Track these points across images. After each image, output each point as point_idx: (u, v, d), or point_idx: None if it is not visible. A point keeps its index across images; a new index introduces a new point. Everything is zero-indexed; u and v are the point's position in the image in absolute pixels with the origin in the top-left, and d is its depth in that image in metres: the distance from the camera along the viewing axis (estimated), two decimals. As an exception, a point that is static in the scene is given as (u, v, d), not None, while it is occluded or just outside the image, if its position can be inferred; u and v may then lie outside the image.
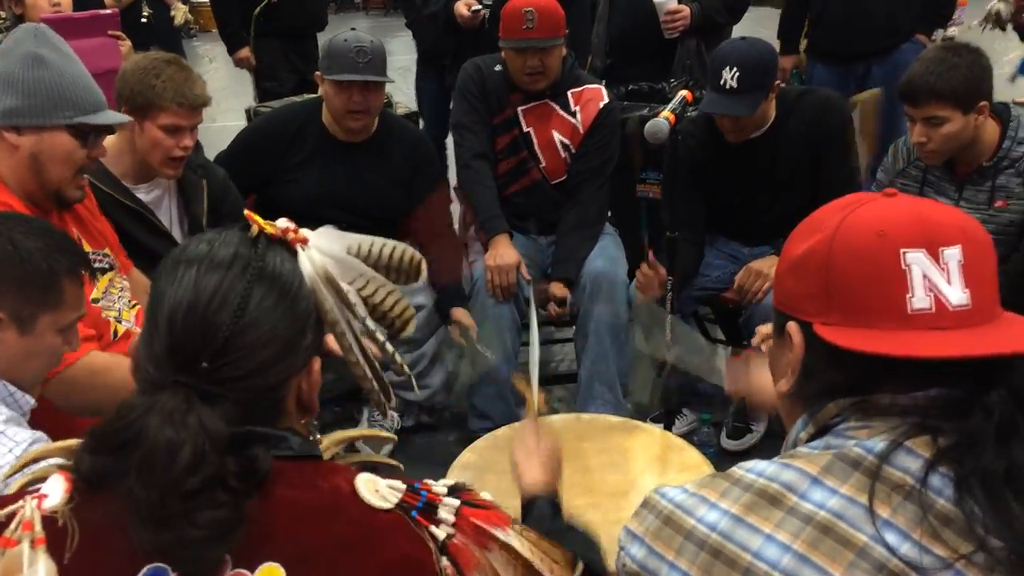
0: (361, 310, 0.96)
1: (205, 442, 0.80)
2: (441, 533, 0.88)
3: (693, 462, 2.01)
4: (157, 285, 0.89)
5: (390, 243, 1.02)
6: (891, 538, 0.76)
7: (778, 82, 2.65)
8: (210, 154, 2.86)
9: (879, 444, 0.80)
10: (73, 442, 0.91)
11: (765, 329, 2.50)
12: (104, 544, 0.82)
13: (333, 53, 2.72)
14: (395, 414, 3.01)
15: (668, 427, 2.56)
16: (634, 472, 2.03)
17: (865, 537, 0.76)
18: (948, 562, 0.75)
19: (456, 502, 0.91)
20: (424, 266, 1.06)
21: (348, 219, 2.83)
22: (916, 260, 0.83)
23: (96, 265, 1.96)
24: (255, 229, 0.92)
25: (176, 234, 2.47)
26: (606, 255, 2.95)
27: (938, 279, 0.83)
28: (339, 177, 2.82)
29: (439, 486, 0.93)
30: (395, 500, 0.88)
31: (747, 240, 2.89)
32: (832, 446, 0.84)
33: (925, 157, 2.40)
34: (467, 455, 2.06)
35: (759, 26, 5.16)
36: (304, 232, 0.95)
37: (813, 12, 3.85)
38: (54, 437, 1.33)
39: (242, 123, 3.26)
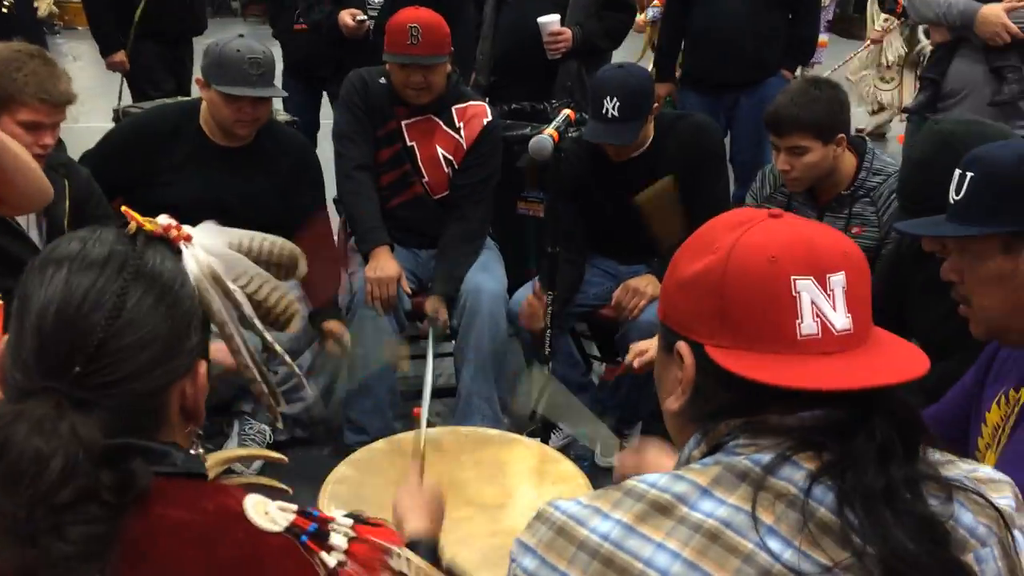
0: (248, 309, 0.94)
1: (78, 451, 0.76)
2: (332, 560, 0.85)
3: (569, 474, 2.05)
4: (24, 286, 0.83)
5: (269, 237, 1.01)
6: (774, 545, 0.78)
7: (656, 105, 2.74)
8: (74, 155, 2.72)
9: (766, 457, 0.83)
10: None
11: (638, 347, 2.59)
12: None
13: (224, 63, 2.63)
14: (267, 428, 2.94)
15: (545, 441, 2.59)
16: (511, 484, 2.04)
17: (751, 544, 0.79)
18: (826, 567, 0.78)
19: (349, 522, 0.89)
20: (303, 260, 1.04)
21: (226, 224, 2.75)
22: (805, 287, 0.86)
23: None
24: (133, 226, 0.88)
25: (34, 236, 2.34)
26: (486, 270, 2.97)
27: (824, 305, 0.86)
28: (216, 182, 2.74)
29: (335, 514, 0.91)
30: (285, 523, 0.85)
31: (623, 258, 2.97)
32: (721, 462, 0.85)
33: (789, 184, 2.53)
34: (343, 468, 2.02)
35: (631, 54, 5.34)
36: (187, 229, 0.92)
37: (688, 44, 4.02)
38: None
39: (108, 124, 3.13)
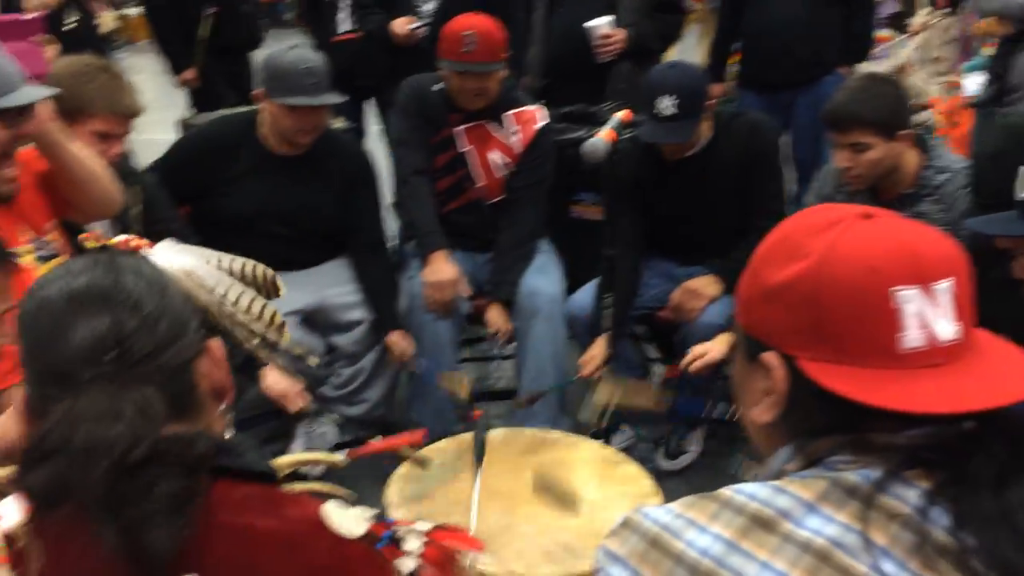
0: (233, 294, 0.95)
1: (137, 416, 0.79)
2: (407, 567, 0.85)
3: (632, 475, 2.05)
4: (22, 317, 0.86)
5: (240, 259, 0.99)
6: (888, 567, 0.74)
7: (712, 102, 2.73)
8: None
9: (874, 473, 0.78)
10: (9, 470, 0.88)
11: (697, 350, 2.58)
12: (68, 566, 0.79)
13: (281, 74, 2.68)
14: (332, 429, 2.98)
15: (607, 442, 2.59)
16: (573, 485, 2.05)
17: (864, 567, 0.74)
18: None
19: (425, 526, 0.89)
20: (282, 285, 1.03)
21: (285, 232, 2.82)
22: (909, 298, 0.81)
23: (40, 253, 1.90)
24: (91, 243, 0.92)
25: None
26: (543, 272, 2.98)
27: (930, 316, 0.81)
28: (276, 190, 2.80)
29: (407, 520, 0.91)
30: (363, 530, 0.86)
31: (681, 259, 2.95)
32: (826, 476, 0.81)
33: (850, 182, 2.50)
34: (406, 468, 2.06)
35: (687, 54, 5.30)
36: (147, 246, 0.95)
37: (744, 44, 3.99)
38: None
39: (170, 137, 3.21)
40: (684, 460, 2.99)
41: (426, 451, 2.14)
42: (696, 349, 2.58)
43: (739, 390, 0.94)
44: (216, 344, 0.92)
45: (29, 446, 0.82)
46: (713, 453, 2.99)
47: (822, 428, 0.83)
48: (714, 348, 2.56)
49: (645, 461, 2.66)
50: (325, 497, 0.92)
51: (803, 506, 0.78)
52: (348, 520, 0.86)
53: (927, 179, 2.45)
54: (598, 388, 2.62)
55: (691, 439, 3.01)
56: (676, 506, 0.84)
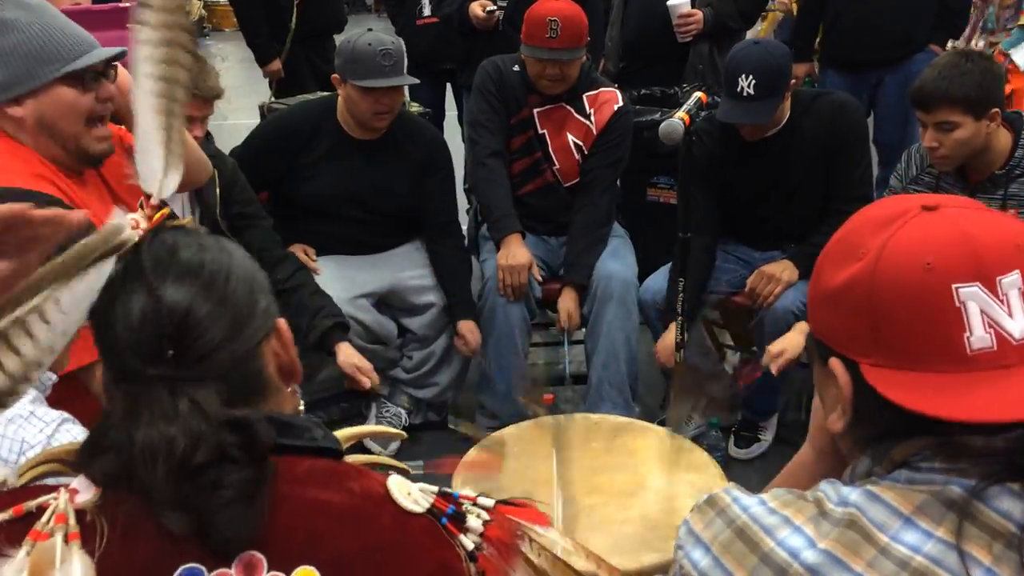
0: None
1: (197, 420, 0.79)
2: (469, 543, 0.85)
3: (702, 463, 2.02)
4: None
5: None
6: None
7: (793, 81, 2.65)
8: (223, 150, 2.87)
9: (974, 483, 0.74)
10: (72, 445, 0.89)
11: (775, 348, 2.52)
12: (134, 543, 0.80)
13: (358, 58, 2.71)
14: (403, 411, 3.02)
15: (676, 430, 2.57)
16: (642, 472, 2.03)
17: None
18: None
19: (488, 502, 0.88)
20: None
21: (361, 215, 2.86)
22: (971, 296, 0.75)
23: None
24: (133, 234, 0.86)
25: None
26: (617, 257, 2.96)
27: (998, 313, 0.74)
28: (354, 174, 2.84)
29: (468, 495, 0.90)
30: (427, 504, 0.85)
31: (758, 244, 2.89)
32: (918, 481, 0.76)
33: (937, 163, 2.40)
34: (475, 452, 2.07)
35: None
36: None
37: (827, 21, 3.86)
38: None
39: (254, 121, 3.28)
40: (756, 449, 2.93)
41: (496, 435, 2.15)
42: (773, 348, 2.52)
43: (820, 396, 0.90)
44: (283, 325, 0.91)
45: (94, 432, 0.84)
46: (785, 442, 2.92)
47: (897, 435, 0.78)
48: (790, 344, 2.50)
49: (715, 449, 2.62)
50: (389, 471, 0.93)
51: (899, 518, 0.74)
52: (412, 494, 0.86)
53: (1019, 159, 2.34)
54: (677, 398, 2.56)
55: (764, 428, 2.96)
56: (770, 499, 0.80)
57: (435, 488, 0.88)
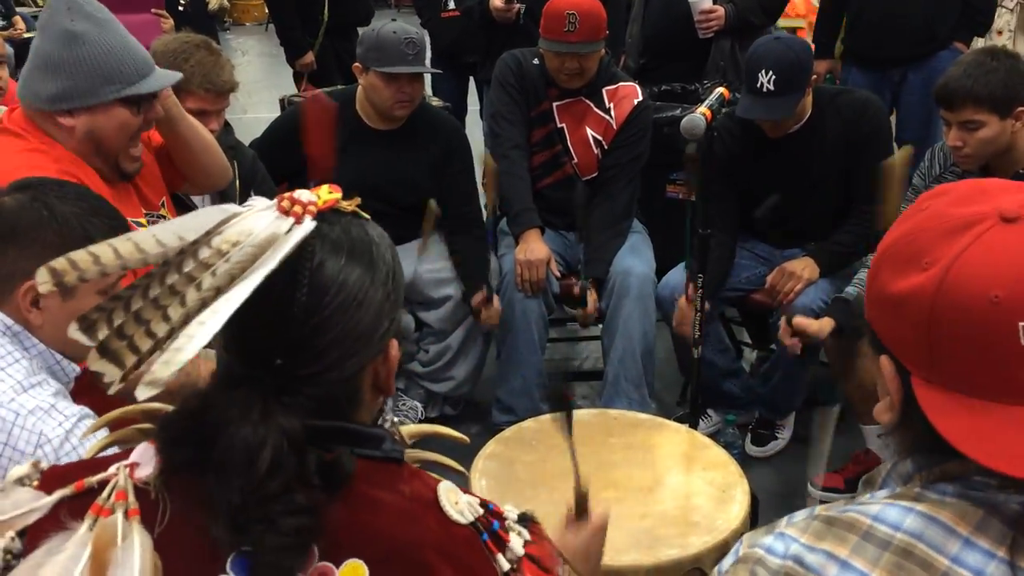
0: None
1: (283, 443, 0.78)
2: (505, 565, 0.86)
3: (719, 460, 2.01)
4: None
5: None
6: None
7: (814, 77, 2.63)
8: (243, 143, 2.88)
9: None
10: (151, 406, 0.89)
11: (800, 322, 2.49)
12: (191, 523, 0.80)
13: (382, 45, 2.72)
14: (419, 404, 3.03)
15: (693, 427, 2.55)
16: (659, 468, 2.03)
17: None
18: None
19: (523, 541, 0.88)
20: None
21: (380, 207, 2.83)
22: None
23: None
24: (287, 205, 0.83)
25: None
26: (636, 252, 2.95)
27: None
28: (373, 165, 2.84)
29: (511, 515, 0.90)
30: (472, 518, 0.86)
31: (778, 242, 2.88)
32: (973, 497, 0.72)
33: (960, 162, 2.38)
34: (492, 446, 2.06)
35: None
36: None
37: (850, 16, 3.82)
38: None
39: (274, 115, 3.29)
40: (772, 447, 2.92)
41: (512, 430, 2.14)
42: (801, 321, 2.50)
43: (875, 378, 0.85)
44: (393, 347, 0.90)
45: (180, 416, 0.84)
46: (803, 440, 2.91)
47: (934, 450, 0.74)
48: (812, 326, 2.48)
49: (731, 447, 2.61)
50: (442, 473, 0.93)
51: (958, 539, 0.70)
52: (459, 504, 0.87)
53: (1046, 160, 2.31)
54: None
55: (781, 426, 2.94)
56: (801, 536, 0.75)
57: (482, 506, 0.88)
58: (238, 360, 0.83)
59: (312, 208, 0.82)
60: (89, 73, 1.74)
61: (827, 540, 0.74)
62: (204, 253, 0.77)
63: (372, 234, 0.89)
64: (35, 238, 1.36)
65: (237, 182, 2.54)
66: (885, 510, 0.73)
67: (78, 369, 1.44)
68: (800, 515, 0.79)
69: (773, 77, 2.52)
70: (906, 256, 0.76)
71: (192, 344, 0.74)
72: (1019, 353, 0.70)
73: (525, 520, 0.92)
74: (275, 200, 0.83)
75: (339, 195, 0.87)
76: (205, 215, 0.81)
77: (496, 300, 2.88)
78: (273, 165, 2.77)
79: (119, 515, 0.78)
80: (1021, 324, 0.70)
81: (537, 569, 0.88)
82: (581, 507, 1.38)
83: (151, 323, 0.75)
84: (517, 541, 0.87)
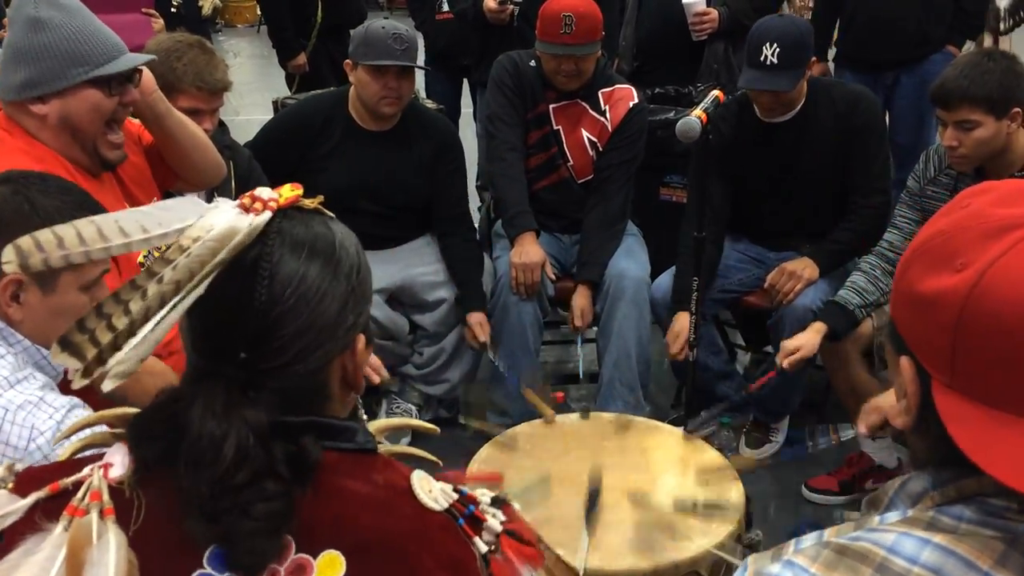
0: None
1: (248, 435, 0.79)
2: (483, 547, 0.86)
3: (713, 463, 2.01)
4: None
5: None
6: None
7: (813, 60, 2.64)
8: (236, 144, 2.87)
9: None
10: (121, 411, 0.90)
11: (789, 346, 2.49)
12: (166, 520, 0.81)
13: (370, 40, 2.73)
14: (413, 407, 3.01)
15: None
16: (654, 471, 2.02)
17: None
18: None
19: (499, 527, 0.88)
20: None
21: (374, 208, 2.85)
22: None
23: None
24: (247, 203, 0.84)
25: None
26: (630, 255, 2.94)
27: None
28: (366, 166, 2.83)
29: (484, 498, 0.90)
30: (446, 504, 0.87)
31: (773, 243, 2.87)
32: (991, 525, 0.70)
33: (955, 163, 2.38)
34: (487, 450, 2.06)
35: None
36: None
37: (843, 19, 3.83)
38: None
39: (267, 117, 3.28)
40: (767, 450, 2.91)
41: (507, 434, 2.13)
42: (788, 344, 2.50)
43: (890, 377, 0.83)
44: (361, 341, 0.91)
45: (149, 412, 0.85)
46: (797, 443, 2.90)
47: (959, 461, 0.71)
48: (806, 343, 2.48)
49: (726, 449, 2.60)
50: (415, 464, 0.93)
51: (978, 573, 0.68)
52: (433, 491, 0.87)
53: (1039, 162, 2.31)
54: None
55: (776, 429, 2.93)
56: (811, 565, 0.72)
57: (455, 492, 0.88)
58: (203, 355, 0.84)
59: (272, 204, 0.83)
60: (55, 57, 1.72)
61: (839, 571, 0.70)
62: (168, 250, 0.79)
63: (335, 229, 0.89)
64: (16, 232, 1.33)
65: (233, 182, 2.53)
66: (900, 540, 0.70)
67: None
68: (808, 540, 0.76)
69: (777, 50, 2.52)
70: (940, 255, 0.73)
71: (149, 338, 0.76)
72: None
73: (498, 502, 0.91)
74: (237, 201, 0.84)
75: (300, 192, 0.88)
76: (171, 208, 0.82)
77: (487, 330, 2.86)
78: (268, 166, 2.75)
79: (94, 515, 0.79)
80: None
81: (517, 543, 0.88)
82: None
83: (112, 317, 0.76)
84: (493, 521, 0.88)
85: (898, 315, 0.78)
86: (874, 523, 0.75)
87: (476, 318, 2.86)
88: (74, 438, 0.94)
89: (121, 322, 0.76)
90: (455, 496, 0.88)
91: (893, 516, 0.75)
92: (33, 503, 0.82)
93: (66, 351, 0.76)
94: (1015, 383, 0.68)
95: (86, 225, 0.79)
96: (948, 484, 0.73)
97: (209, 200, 2.45)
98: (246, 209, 0.83)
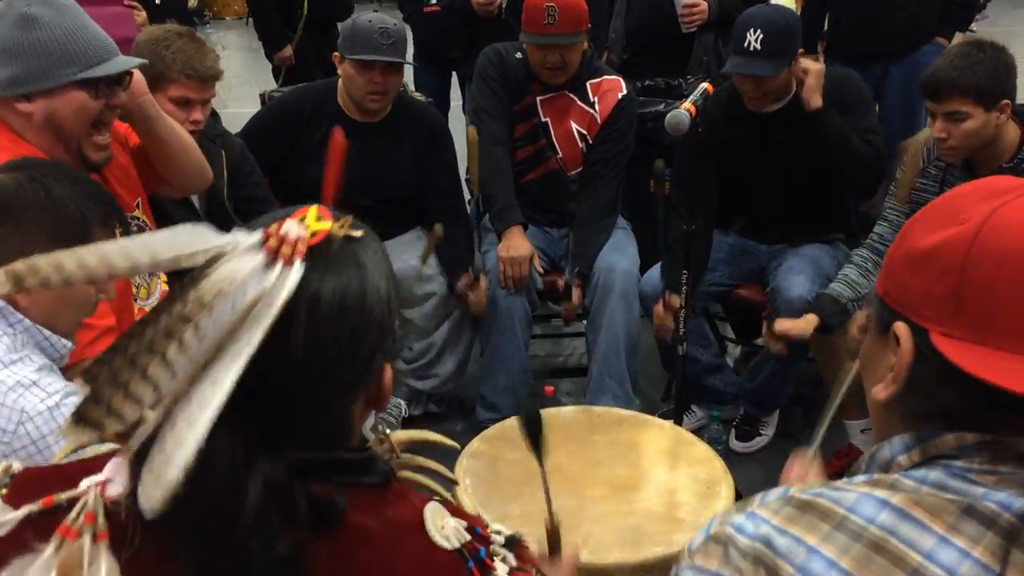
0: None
1: (272, 490, 0.74)
2: None
3: (703, 456, 2.00)
4: None
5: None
6: None
7: (800, 51, 2.64)
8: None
9: (1017, 501, 0.70)
10: None
11: (782, 326, 2.49)
12: (164, 546, 0.76)
13: (357, 33, 2.71)
14: (403, 402, 3.00)
15: (678, 423, 2.54)
16: (644, 465, 2.01)
17: None
18: None
19: (508, 568, 0.86)
20: None
21: (363, 201, 2.81)
22: None
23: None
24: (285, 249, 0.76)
25: (195, 203, 2.46)
26: (619, 249, 2.93)
27: None
28: (355, 158, 2.78)
29: (498, 538, 0.88)
30: (457, 544, 0.83)
31: (764, 235, 2.87)
32: (950, 488, 0.72)
33: (944, 154, 2.37)
34: (477, 444, 2.05)
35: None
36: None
37: (832, 12, 3.83)
38: None
39: (255, 110, 3.25)
40: (757, 443, 2.91)
41: (496, 428, 2.12)
42: (778, 326, 2.49)
43: (866, 366, 0.85)
44: (387, 373, 0.86)
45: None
46: (787, 436, 2.91)
47: (941, 413, 0.74)
48: (797, 325, 2.48)
49: (716, 443, 2.60)
50: (432, 494, 0.90)
51: (933, 536, 0.70)
52: (445, 529, 0.84)
53: (1028, 153, 2.31)
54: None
55: (765, 423, 2.93)
56: (772, 517, 0.75)
57: (468, 531, 0.85)
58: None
59: (301, 247, 0.76)
60: (44, 55, 1.70)
61: (798, 525, 0.74)
62: (184, 305, 0.72)
63: (365, 261, 0.82)
64: (30, 218, 1.36)
65: (225, 172, 2.51)
66: (860, 500, 0.73)
67: (70, 345, 1.42)
68: (774, 494, 0.79)
69: (761, 36, 2.52)
70: (941, 216, 0.77)
71: (194, 434, 0.69)
72: None
73: (512, 543, 0.89)
74: (260, 236, 0.76)
75: (329, 223, 0.80)
76: (180, 236, 0.75)
77: (483, 281, 2.85)
78: (256, 158, 2.73)
79: (86, 539, 0.75)
80: None
81: None
82: (553, 544, 1.36)
83: (129, 385, 0.70)
84: (502, 568, 0.85)
85: (892, 281, 0.80)
86: (839, 484, 0.77)
87: (468, 279, 2.84)
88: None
89: (144, 390, 0.70)
90: (468, 536, 0.84)
91: (861, 479, 0.77)
92: (25, 516, 0.78)
93: (81, 425, 0.71)
94: (1019, 313, 0.70)
95: (90, 254, 0.73)
96: (927, 442, 0.75)
97: (206, 197, 2.42)
98: (273, 253, 0.75)
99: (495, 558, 0.85)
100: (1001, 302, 0.71)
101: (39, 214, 1.36)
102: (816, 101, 2.56)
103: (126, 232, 1.78)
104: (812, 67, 2.58)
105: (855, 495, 0.74)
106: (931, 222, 0.78)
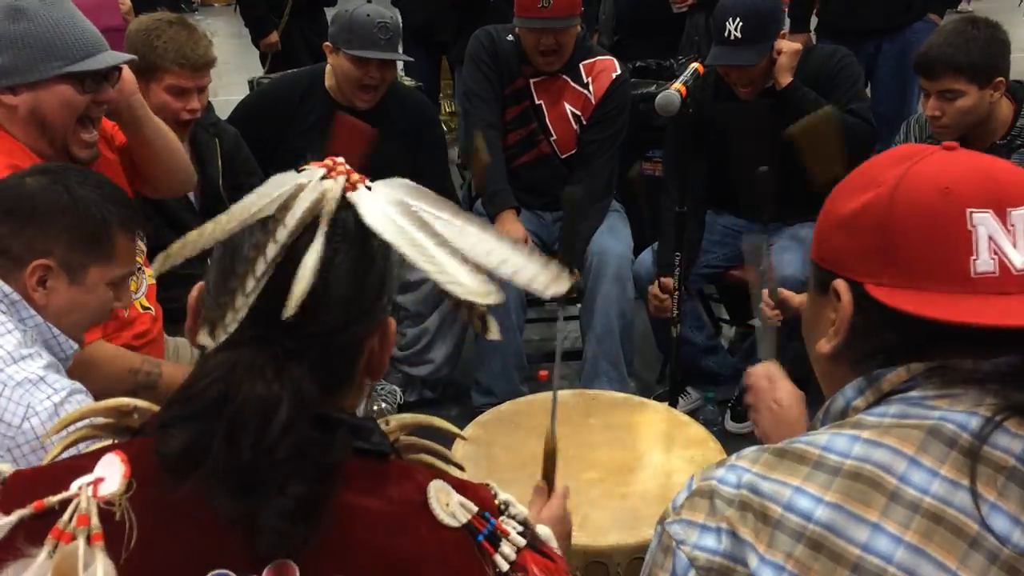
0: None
1: (300, 402, 0.75)
2: (504, 564, 0.83)
3: (699, 438, 2.00)
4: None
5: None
6: (1000, 524, 0.71)
7: (783, 32, 2.63)
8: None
9: (972, 420, 0.75)
10: (115, 402, 0.86)
11: (786, 294, 2.47)
12: (163, 543, 0.75)
13: (354, 27, 2.68)
14: (397, 388, 3.00)
15: (673, 405, 2.54)
16: (640, 448, 2.01)
17: (976, 525, 0.71)
18: None
19: (522, 540, 0.85)
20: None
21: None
22: (982, 221, 0.78)
23: None
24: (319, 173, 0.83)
25: (190, 194, 2.45)
26: (613, 232, 2.92)
27: (1003, 242, 0.78)
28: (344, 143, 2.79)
29: (514, 510, 0.88)
30: (464, 520, 0.83)
31: (757, 215, 2.85)
32: (911, 415, 0.77)
33: (938, 132, 2.37)
34: (472, 429, 2.04)
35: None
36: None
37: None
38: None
39: (244, 95, 3.23)
40: (752, 424, 2.91)
41: (491, 413, 2.12)
42: (785, 292, 2.49)
43: (808, 327, 0.92)
44: (391, 323, 0.87)
45: (173, 401, 0.79)
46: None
47: (888, 351, 0.81)
48: (794, 298, 2.47)
49: (711, 424, 2.60)
50: (435, 471, 0.89)
51: (904, 459, 0.75)
52: (450, 506, 0.83)
53: (1020, 130, 2.31)
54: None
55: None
56: (752, 466, 0.79)
57: (475, 507, 0.84)
58: (246, 319, 0.77)
59: (342, 169, 0.86)
60: (31, 48, 1.68)
61: (779, 470, 0.78)
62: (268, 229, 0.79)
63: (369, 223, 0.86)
64: (53, 220, 1.39)
65: (219, 160, 2.50)
66: (832, 439, 0.78)
67: (76, 347, 1.44)
68: (749, 449, 0.83)
69: (740, 24, 2.51)
70: (860, 183, 0.86)
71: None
72: (966, 236, 0.78)
73: (519, 539, 0.87)
74: (323, 171, 0.85)
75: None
76: (268, 187, 0.83)
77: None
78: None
79: (81, 542, 0.74)
80: (968, 210, 0.79)
81: (540, 557, 0.85)
82: (548, 466, 1.40)
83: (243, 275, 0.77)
84: (511, 547, 0.84)
85: (826, 246, 0.88)
86: (809, 433, 0.83)
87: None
88: (64, 433, 0.90)
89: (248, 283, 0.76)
90: (475, 510, 0.84)
91: (822, 429, 0.82)
92: (16, 521, 0.77)
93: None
94: (942, 257, 0.79)
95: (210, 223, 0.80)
96: (879, 380, 0.81)
97: (201, 187, 2.39)
98: (330, 171, 0.84)
99: (503, 538, 0.84)
100: (922, 250, 0.80)
101: (62, 216, 1.40)
102: (785, 79, 2.56)
103: (146, 234, 1.80)
104: (786, 46, 2.58)
105: (827, 435, 0.79)
106: (851, 190, 0.86)
